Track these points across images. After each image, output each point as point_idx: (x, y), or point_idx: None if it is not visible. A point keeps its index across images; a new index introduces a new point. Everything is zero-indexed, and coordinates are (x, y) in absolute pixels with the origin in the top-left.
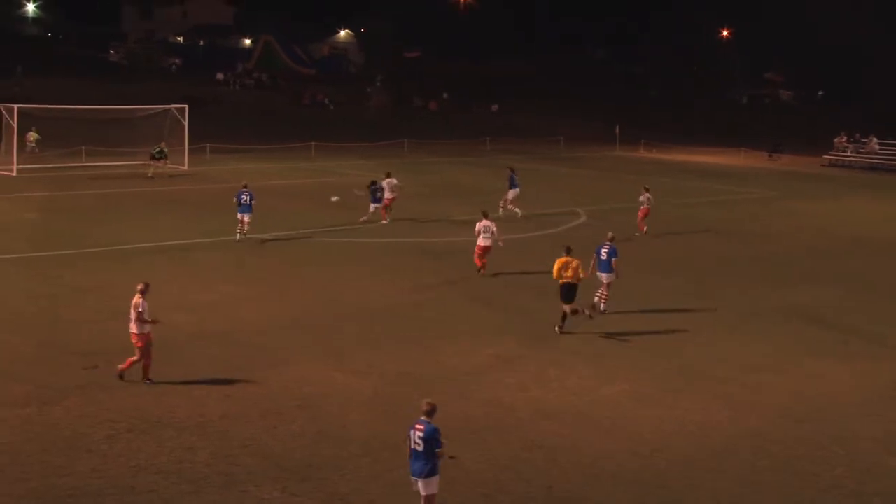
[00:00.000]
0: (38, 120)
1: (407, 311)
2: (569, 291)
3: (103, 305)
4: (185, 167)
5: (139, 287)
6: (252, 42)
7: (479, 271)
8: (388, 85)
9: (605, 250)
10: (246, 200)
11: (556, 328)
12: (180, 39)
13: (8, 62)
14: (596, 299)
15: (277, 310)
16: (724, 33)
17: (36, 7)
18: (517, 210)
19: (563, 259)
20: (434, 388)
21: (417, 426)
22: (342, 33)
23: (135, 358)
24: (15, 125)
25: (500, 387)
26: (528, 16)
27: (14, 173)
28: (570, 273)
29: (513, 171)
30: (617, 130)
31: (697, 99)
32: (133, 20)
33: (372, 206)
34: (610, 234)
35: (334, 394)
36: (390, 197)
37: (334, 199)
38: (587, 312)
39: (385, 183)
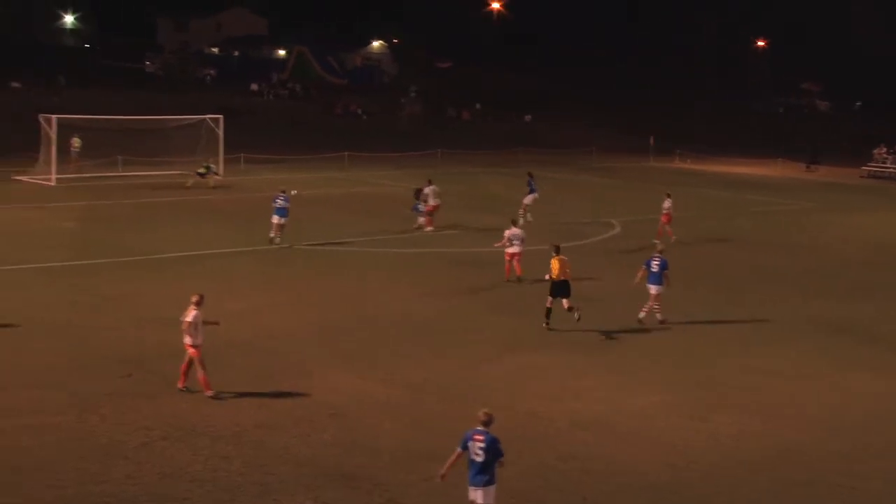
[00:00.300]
0: (77, 130)
1: (437, 320)
2: (564, 287)
3: (138, 313)
4: (220, 177)
5: (194, 299)
6: (286, 53)
7: (514, 279)
8: (421, 95)
9: (657, 262)
10: (281, 203)
11: (544, 325)
12: (215, 51)
13: (47, 73)
14: (643, 314)
15: (309, 319)
16: (761, 43)
17: (74, 19)
18: (528, 216)
19: (560, 258)
20: (467, 397)
21: (477, 437)
22: (375, 44)
23: (202, 371)
24: (54, 136)
25: (533, 397)
26: (564, 25)
27: (53, 183)
28: (567, 270)
29: (531, 176)
30: (651, 141)
31: (733, 109)
32: (168, 32)
33: (421, 216)
34: (660, 247)
35: (366, 403)
36: (434, 204)
37: (293, 192)
38: (577, 315)
39: (428, 190)
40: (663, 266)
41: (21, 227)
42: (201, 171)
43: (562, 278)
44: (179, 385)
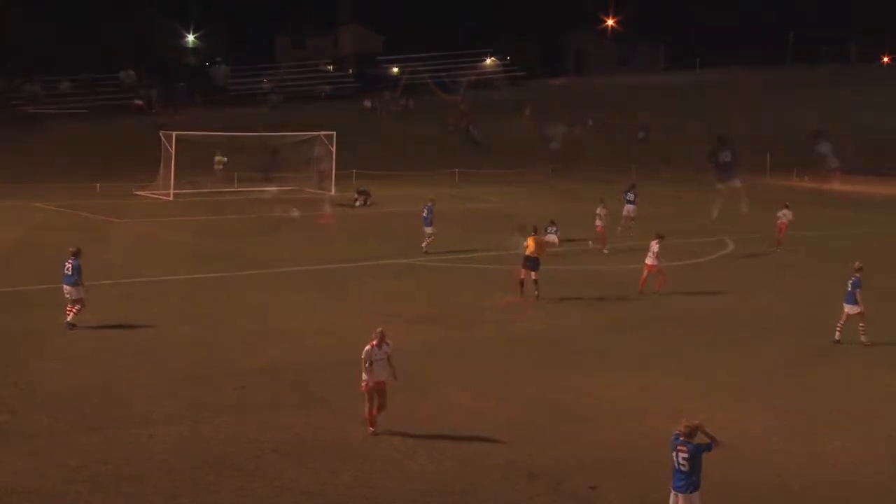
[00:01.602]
0: (193, 146)
1: (554, 337)
2: (534, 262)
3: (254, 327)
4: (333, 192)
5: (377, 330)
6: (399, 70)
7: (653, 291)
8: (535, 112)
9: (851, 281)
10: (424, 214)
11: (519, 294)
12: (330, 68)
13: (172, 92)
14: (838, 335)
15: (424, 335)
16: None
17: (195, 38)
18: (627, 227)
19: (534, 237)
20: (579, 416)
21: (680, 448)
22: (488, 61)
23: (377, 406)
24: (173, 152)
25: (646, 417)
26: (678, 40)
27: (171, 198)
28: (538, 248)
29: (633, 187)
30: (768, 157)
31: (865, 125)
32: (286, 49)
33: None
34: (857, 265)
35: (477, 419)
36: (601, 224)
37: (295, 213)
38: (536, 292)
39: (599, 210)
40: (856, 285)
41: (139, 241)
42: (358, 199)
43: (537, 254)
44: (372, 424)
